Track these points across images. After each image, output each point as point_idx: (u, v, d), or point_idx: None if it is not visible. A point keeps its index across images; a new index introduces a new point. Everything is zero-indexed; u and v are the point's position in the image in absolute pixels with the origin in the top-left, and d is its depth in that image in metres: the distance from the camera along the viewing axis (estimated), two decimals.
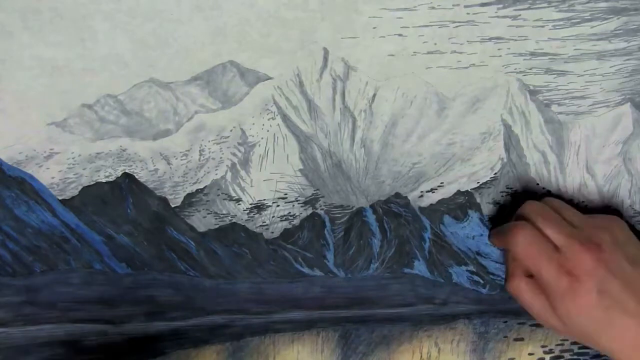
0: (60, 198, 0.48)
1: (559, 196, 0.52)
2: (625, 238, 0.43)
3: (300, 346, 0.54)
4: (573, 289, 0.41)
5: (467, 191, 0.52)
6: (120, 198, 0.49)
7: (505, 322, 0.56)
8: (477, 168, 0.52)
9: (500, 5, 0.46)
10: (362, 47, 0.46)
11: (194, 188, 0.49)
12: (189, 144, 0.48)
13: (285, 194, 0.51)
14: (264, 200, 0.51)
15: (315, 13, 0.45)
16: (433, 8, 0.46)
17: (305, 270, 0.53)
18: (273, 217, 0.51)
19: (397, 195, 0.52)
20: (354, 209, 0.52)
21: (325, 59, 0.47)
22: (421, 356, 0.56)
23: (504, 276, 0.55)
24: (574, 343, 0.57)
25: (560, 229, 0.43)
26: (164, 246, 0.50)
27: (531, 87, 0.50)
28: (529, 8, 0.46)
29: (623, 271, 0.41)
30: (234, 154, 0.49)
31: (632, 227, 0.49)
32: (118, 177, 0.48)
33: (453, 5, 0.46)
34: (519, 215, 0.46)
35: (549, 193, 0.53)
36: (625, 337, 0.41)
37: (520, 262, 0.45)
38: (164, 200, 0.49)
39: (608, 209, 0.53)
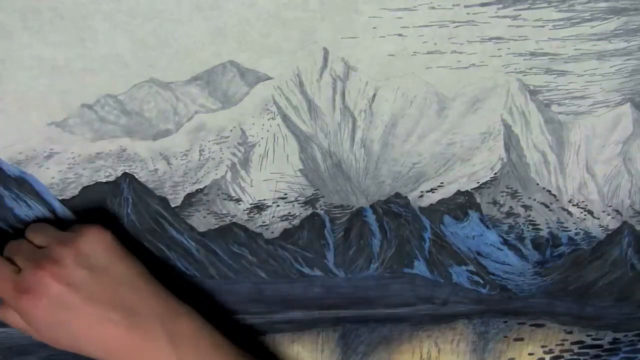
0: (60, 198, 0.48)
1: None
2: (92, 248, 0.43)
3: (300, 346, 0.54)
4: (32, 307, 0.41)
5: (467, 191, 0.52)
6: (120, 198, 0.49)
7: (505, 322, 0.56)
8: (477, 168, 0.52)
9: (500, 5, 0.46)
10: (362, 47, 0.46)
11: (194, 188, 0.49)
12: (189, 144, 0.48)
13: (285, 194, 0.51)
14: (264, 200, 0.51)
15: (315, 13, 0.45)
16: (433, 8, 0.46)
17: (305, 270, 0.53)
18: (273, 217, 0.51)
19: (397, 195, 0.52)
20: (354, 209, 0.52)
21: (325, 59, 0.47)
22: (421, 356, 0.56)
23: (504, 276, 0.55)
24: (574, 343, 0.57)
25: (21, 253, 0.43)
26: (164, 246, 0.50)
27: (531, 87, 0.50)
28: (529, 8, 0.46)
29: (83, 281, 0.41)
30: (234, 154, 0.49)
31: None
32: (118, 177, 0.48)
33: (453, 5, 0.46)
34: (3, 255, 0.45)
35: (549, 193, 0.53)
36: (102, 343, 0.41)
37: None
38: (164, 200, 0.49)
39: None
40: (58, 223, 0.47)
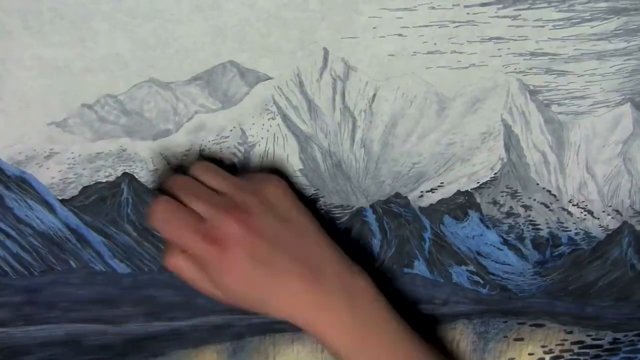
0: (60, 198, 0.48)
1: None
2: (276, 197, 0.41)
3: (300, 346, 0.54)
4: (222, 259, 0.38)
5: (467, 191, 0.52)
6: (120, 198, 0.49)
7: (505, 322, 0.56)
8: (477, 168, 0.52)
9: (500, 5, 0.46)
10: (362, 47, 0.46)
11: None
12: (189, 144, 0.48)
13: None
14: None
15: (315, 13, 0.45)
16: (433, 8, 0.46)
17: None
18: None
19: (397, 195, 0.52)
20: (354, 209, 0.52)
21: (325, 59, 0.47)
22: None
23: (504, 276, 0.55)
24: (574, 343, 0.57)
25: (202, 198, 0.40)
26: (164, 246, 0.50)
27: (531, 87, 0.50)
28: (529, 8, 0.46)
29: (273, 232, 0.40)
30: (234, 154, 0.49)
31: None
32: (118, 177, 0.48)
33: (453, 5, 0.46)
34: (162, 189, 0.43)
35: (549, 193, 0.53)
36: (287, 297, 0.40)
37: (162, 233, 0.41)
38: None
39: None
40: None
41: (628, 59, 0.49)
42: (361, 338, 0.41)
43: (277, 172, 0.49)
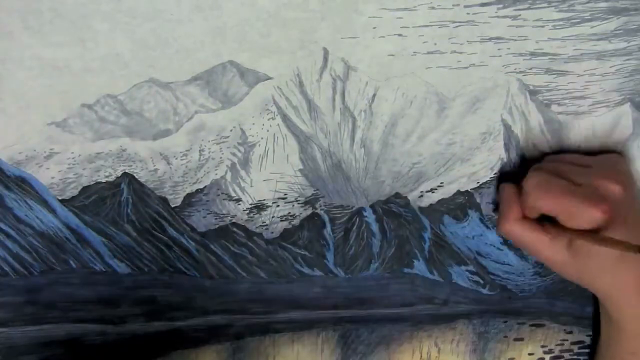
0: (60, 198, 0.48)
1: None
2: (620, 171, 0.45)
3: (300, 346, 0.54)
4: (605, 220, 0.40)
5: (467, 191, 0.52)
6: (120, 198, 0.49)
7: (505, 322, 0.56)
8: (477, 168, 0.52)
9: (500, 5, 0.46)
10: (362, 47, 0.46)
11: (193, 188, 0.49)
12: (189, 144, 0.48)
13: (285, 194, 0.51)
14: (264, 200, 0.51)
15: (315, 13, 0.45)
16: (433, 8, 0.46)
17: (305, 270, 0.53)
18: (273, 217, 0.51)
19: (397, 195, 0.52)
20: (354, 209, 0.52)
21: (325, 59, 0.47)
22: (421, 356, 0.56)
23: (504, 276, 0.55)
24: (574, 343, 0.57)
25: (576, 169, 0.44)
26: (164, 246, 0.50)
27: (531, 87, 0.50)
28: (529, 8, 0.46)
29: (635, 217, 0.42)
30: (234, 154, 0.49)
31: None
32: (118, 177, 0.48)
33: (453, 5, 0.46)
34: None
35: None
36: (630, 278, 0.42)
37: (533, 201, 0.44)
38: (164, 200, 0.49)
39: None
40: None
41: (628, 59, 0.49)
42: None
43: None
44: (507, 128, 0.51)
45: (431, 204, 0.52)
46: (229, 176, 0.50)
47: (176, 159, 0.49)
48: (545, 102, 0.50)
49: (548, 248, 0.44)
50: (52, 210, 0.48)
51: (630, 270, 0.42)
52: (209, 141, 0.49)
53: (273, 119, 0.49)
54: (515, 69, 0.49)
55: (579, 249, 0.43)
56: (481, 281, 0.54)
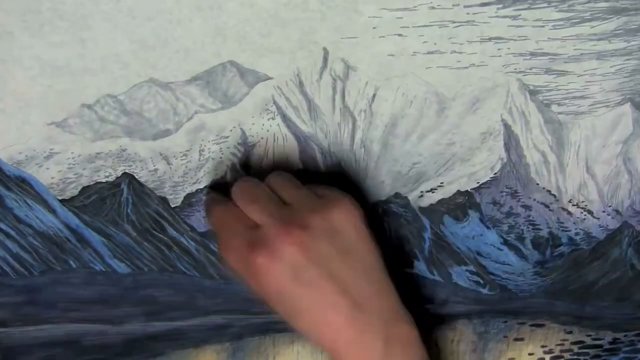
0: (60, 198, 0.48)
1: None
2: (343, 223, 0.39)
3: (300, 346, 0.54)
4: (265, 269, 0.37)
5: (467, 191, 0.52)
6: (120, 198, 0.49)
7: (505, 322, 0.56)
8: (477, 168, 0.52)
9: (500, 5, 0.46)
10: (362, 47, 0.46)
11: (193, 188, 0.49)
12: (188, 144, 0.48)
13: None
14: None
15: (315, 13, 0.45)
16: (433, 8, 0.46)
17: None
18: None
19: (397, 195, 0.52)
20: None
21: (325, 59, 0.47)
22: None
23: (504, 276, 0.55)
24: (574, 343, 0.57)
25: (263, 206, 0.40)
26: (164, 246, 0.50)
27: (531, 87, 0.50)
28: (529, 8, 0.46)
29: (326, 259, 0.38)
30: (234, 154, 0.49)
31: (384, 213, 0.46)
32: (118, 177, 0.48)
33: (453, 5, 0.46)
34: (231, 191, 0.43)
35: (549, 193, 0.53)
36: (321, 327, 0.38)
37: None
38: (164, 200, 0.49)
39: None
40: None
41: (628, 59, 0.49)
42: None
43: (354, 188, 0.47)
44: (507, 128, 0.51)
45: (431, 204, 0.52)
46: (229, 176, 0.50)
47: (176, 159, 0.49)
48: (545, 102, 0.50)
49: (253, 289, 0.40)
50: (52, 210, 0.48)
51: (315, 319, 0.39)
52: (209, 141, 0.49)
53: (273, 119, 0.49)
54: (515, 69, 0.49)
55: (261, 293, 0.40)
56: (481, 281, 0.54)
